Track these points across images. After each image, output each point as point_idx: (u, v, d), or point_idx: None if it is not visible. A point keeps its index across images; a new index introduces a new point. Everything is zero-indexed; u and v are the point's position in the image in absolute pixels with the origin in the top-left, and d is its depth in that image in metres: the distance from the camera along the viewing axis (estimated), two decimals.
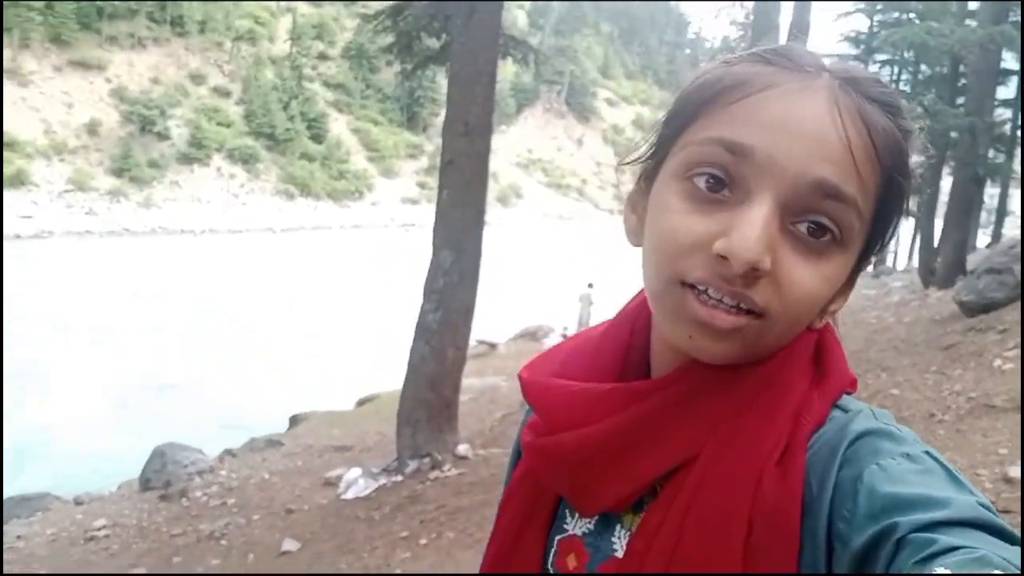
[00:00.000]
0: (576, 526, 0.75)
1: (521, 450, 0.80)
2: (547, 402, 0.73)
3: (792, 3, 11.22)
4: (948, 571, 0.46)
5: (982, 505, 0.54)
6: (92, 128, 56.84)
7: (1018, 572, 0.46)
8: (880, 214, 0.65)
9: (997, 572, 0.45)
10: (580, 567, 0.73)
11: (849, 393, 0.70)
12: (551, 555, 0.76)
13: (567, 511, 0.76)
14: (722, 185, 0.62)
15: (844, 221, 0.61)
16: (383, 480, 7.35)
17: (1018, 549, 0.50)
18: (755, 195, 0.60)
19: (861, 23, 26.94)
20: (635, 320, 0.78)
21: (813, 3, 11.35)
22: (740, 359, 0.65)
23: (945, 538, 0.49)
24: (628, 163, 0.74)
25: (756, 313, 0.61)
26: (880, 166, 0.62)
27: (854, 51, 25.87)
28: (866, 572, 0.53)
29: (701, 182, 0.62)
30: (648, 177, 0.71)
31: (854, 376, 0.71)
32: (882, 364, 7.52)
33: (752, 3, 12.56)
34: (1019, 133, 19.64)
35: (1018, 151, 20.10)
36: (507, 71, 69.38)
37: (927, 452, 0.60)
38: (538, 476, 0.76)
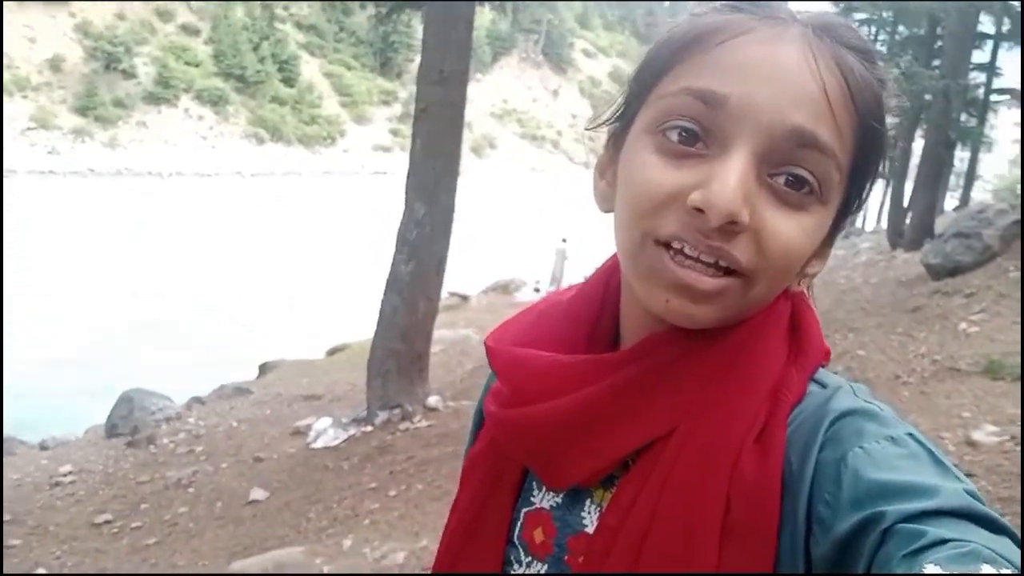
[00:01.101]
0: (544, 499, 0.73)
1: (484, 418, 0.78)
2: (515, 373, 0.71)
3: None
4: (939, 569, 0.44)
5: (969, 493, 0.52)
6: (55, 64, 55.14)
7: (1007, 564, 0.45)
8: (857, 167, 0.62)
9: (987, 570, 0.44)
10: (547, 541, 0.72)
11: (823, 365, 0.68)
12: (517, 527, 0.74)
13: (534, 483, 0.74)
14: (696, 138, 0.59)
15: (822, 172, 0.59)
16: (352, 430, 7.35)
17: (1007, 540, 0.49)
18: (731, 145, 0.58)
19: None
20: (607, 284, 0.75)
21: None
22: (720, 323, 0.63)
23: (934, 530, 0.48)
24: (597, 126, 0.72)
25: (737, 272, 0.59)
26: (857, 114, 0.60)
27: (833, 9, 25.79)
28: (866, 574, 0.51)
29: (674, 135, 0.60)
30: (617, 139, 0.68)
31: (828, 348, 0.70)
32: (849, 325, 7.62)
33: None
34: (992, 97, 19.80)
35: (989, 115, 20.29)
36: (484, 18, 68.15)
37: (910, 434, 0.58)
38: (504, 447, 0.73)
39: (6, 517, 6.28)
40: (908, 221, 15.79)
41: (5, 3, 55.04)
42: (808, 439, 0.60)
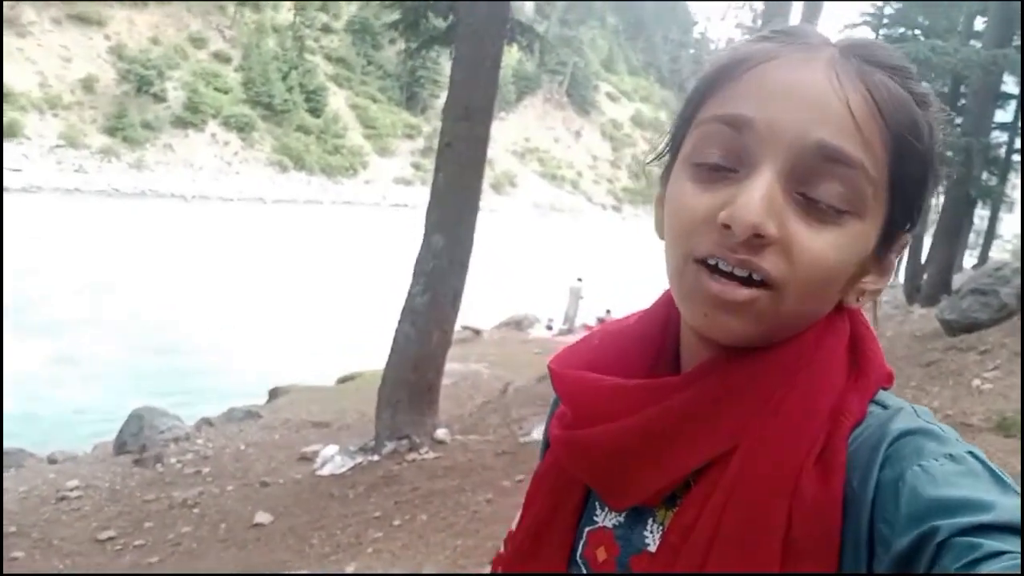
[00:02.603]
0: (606, 518, 0.74)
1: (549, 441, 0.80)
2: (577, 395, 0.73)
3: (801, 5, 11.26)
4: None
5: None
6: (88, 84, 56.27)
7: None
8: (897, 180, 0.63)
9: None
10: (610, 560, 0.72)
11: (886, 388, 0.68)
12: (580, 546, 0.75)
13: (597, 503, 0.76)
14: (729, 162, 0.62)
15: (853, 186, 0.60)
16: (359, 459, 7.35)
17: None
18: (757, 165, 0.61)
19: (866, 35, 27.06)
20: (669, 310, 0.76)
21: (823, 5, 11.41)
22: (760, 336, 0.64)
23: (988, 542, 0.49)
24: (652, 160, 0.75)
25: (768, 284, 0.61)
26: (886, 126, 0.61)
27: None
28: (905, 572, 0.53)
29: (708, 161, 0.63)
30: (667, 171, 0.71)
31: (891, 370, 0.70)
32: None
33: (761, 6, 12.59)
34: (1014, 157, 19.80)
35: (1010, 175, 20.28)
36: (510, 58, 69.02)
37: (970, 452, 0.58)
38: (567, 468, 0.75)
39: (11, 529, 6.30)
40: (925, 277, 15.72)
41: (42, 23, 56.34)
42: (868, 459, 0.60)
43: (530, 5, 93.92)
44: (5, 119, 47.33)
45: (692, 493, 0.66)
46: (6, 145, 46.15)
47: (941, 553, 0.51)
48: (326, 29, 76.95)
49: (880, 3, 22.38)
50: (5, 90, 48.77)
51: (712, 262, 0.61)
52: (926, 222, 18.43)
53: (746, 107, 0.62)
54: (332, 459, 7.41)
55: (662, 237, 0.71)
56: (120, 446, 8.75)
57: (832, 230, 0.61)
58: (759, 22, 12.55)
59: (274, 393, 12.17)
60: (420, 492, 6.33)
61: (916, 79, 0.65)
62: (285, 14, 73.46)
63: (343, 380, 13.03)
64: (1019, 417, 5.10)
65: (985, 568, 0.47)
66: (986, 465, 0.57)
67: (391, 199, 65.24)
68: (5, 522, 6.43)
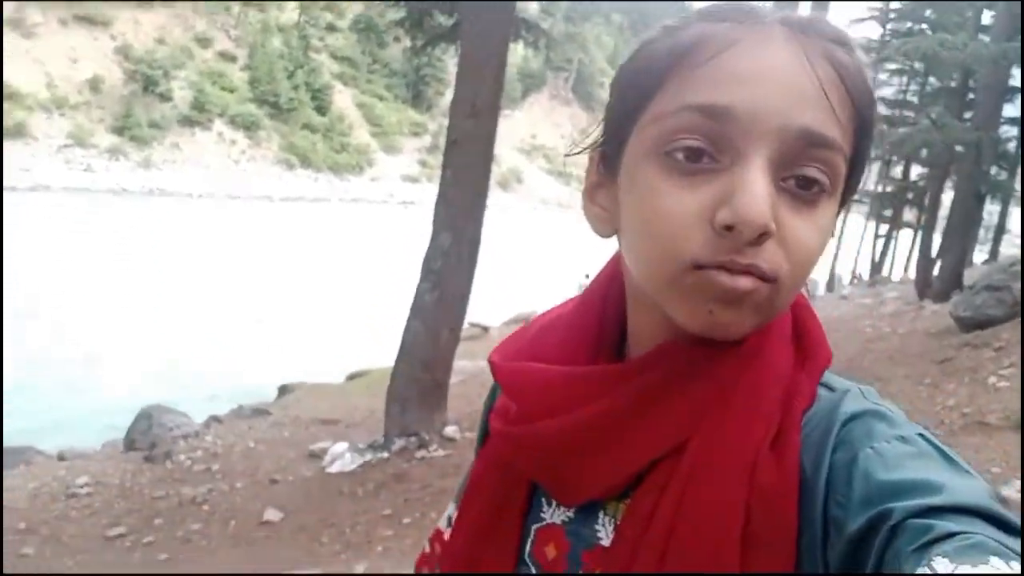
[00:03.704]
0: (554, 514, 0.71)
1: (487, 434, 0.76)
2: (523, 387, 0.69)
3: (809, 4, 11.23)
4: (948, 561, 0.44)
5: (980, 489, 0.52)
6: (95, 84, 56.44)
7: (1014, 556, 0.45)
8: (857, 154, 0.62)
9: (995, 562, 0.44)
10: (560, 557, 0.69)
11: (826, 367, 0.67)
12: (528, 545, 0.71)
13: (544, 499, 0.72)
14: (700, 153, 0.58)
15: (832, 167, 0.59)
16: (369, 456, 7.33)
17: (1017, 538, 0.48)
18: (745, 156, 0.57)
19: (873, 30, 26.91)
20: (607, 294, 0.74)
21: (830, 4, 11.37)
22: (753, 329, 0.61)
23: (941, 523, 0.48)
24: (583, 150, 0.71)
25: (767, 278, 0.58)
26: (853, 104, 0.60)
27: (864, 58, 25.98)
28: (879, 574, 0.50)
29: (681, 154, 0.58)
30: (609, 162, 0.67)
31: (830, 351, 0.68)
32: (876, 374, 7.52)
33: (768, 4, 12.57)
34: (1021, 151, 19.67)
35: (1020, 169, 20.17)
36: (515, 55, 68.95)
37: (920, 434, 0.58)
38: (512, 464, 0.72)
39: (20, 525, 6.31)
40: (936, 272, 15.62)
41: (49, 23, 56.52)
42: (820, 443, 0.59)
43: (535, 4, 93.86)
44: (12, 120, 47.49)
45: (646, 484, 0.63)
46: (14, 145, 46.34)
47: (894, 535, 0.50)
48: (331, 28, 76.99)
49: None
50: (12, 91, 48.96)
51: (715, 266, 0.58)
52: (936, 218, 18.36)
53: (724, 95, 0.57)
54: (342, 456, 7.39)
55: (607, 234, 0.68)
56: (129, 443, 8.76)
57: (813, 212, 0.59)
58: None
59: (283, 390, 12.18)
60: (430, 490, 6.31)
61: (855, 48, 0.63)
62: (290, 13, 73.50)
63: (352, 377, 13.03)
64: None
65: (937, 549, 0.46)
66: (936, 446, 0.57)
67: (398, 196, 65.30)
68: (16, 519, 6.44)
